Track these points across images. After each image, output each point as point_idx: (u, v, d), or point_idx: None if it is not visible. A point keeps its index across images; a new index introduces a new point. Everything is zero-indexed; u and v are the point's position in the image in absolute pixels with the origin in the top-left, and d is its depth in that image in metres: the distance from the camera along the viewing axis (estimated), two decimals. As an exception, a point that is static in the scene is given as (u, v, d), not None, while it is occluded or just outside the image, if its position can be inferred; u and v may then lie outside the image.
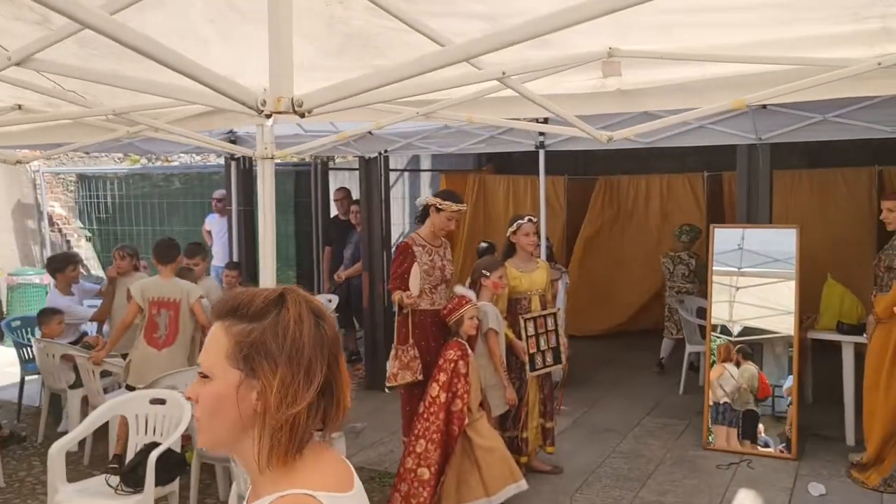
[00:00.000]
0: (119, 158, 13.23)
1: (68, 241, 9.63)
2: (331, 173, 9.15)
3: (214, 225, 8.42)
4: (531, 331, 4.77)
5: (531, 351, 4.74)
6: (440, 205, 4.46)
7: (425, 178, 12.10)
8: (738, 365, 5.41)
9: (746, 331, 5.41)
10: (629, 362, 7.90)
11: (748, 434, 5.29)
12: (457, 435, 4.20)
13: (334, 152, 7.17)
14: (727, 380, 5.42)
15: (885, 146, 7.93)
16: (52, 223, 9.68)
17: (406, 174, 12.94)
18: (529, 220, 4.86)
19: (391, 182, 12.87)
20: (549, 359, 4.85)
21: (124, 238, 9.03)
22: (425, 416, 4.24)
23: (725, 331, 5.46)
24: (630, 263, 9.03)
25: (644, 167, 9.38)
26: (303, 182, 8.82)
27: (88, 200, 9.59)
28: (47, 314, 5.72)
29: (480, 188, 10.01)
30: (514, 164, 11.58)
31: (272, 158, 3.43)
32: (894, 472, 4.57)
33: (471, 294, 4.43)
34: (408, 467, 4.21)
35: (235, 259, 7.68)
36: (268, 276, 3.36)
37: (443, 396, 4.21)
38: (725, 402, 5.38)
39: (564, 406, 6.19)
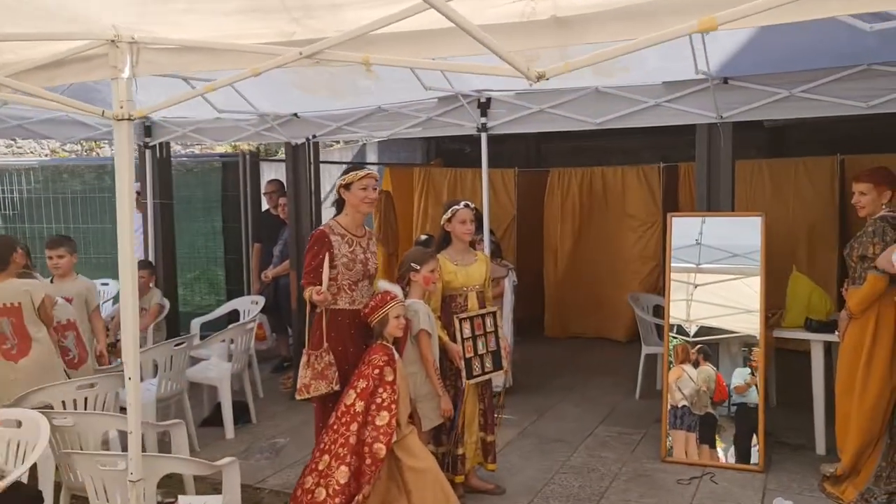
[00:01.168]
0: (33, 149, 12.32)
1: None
2: (265, 165, 8.46)
3: (137, 220, 7.65)
4: (467, 332, 4.18)
5: (468, 355, 4.15)
6: (345, 180, 3.87)
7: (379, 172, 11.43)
8: (696, 366, 4.94)
9: (705, 330, 4.92)
10: (584, 366, 7.38)
11: (706, 439, 4.80)
12: (382, 455, 3.58)
13: (256, 139, 6.51)
14: (686, 382, 4.93)
15: (848, 135, 7.61)
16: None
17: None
18: (466, 206, 4.27)
19: (338, 175, 12.42)
20: (489, 364, 4.26)
21: (32, 237, 8.19)
22: (335, 426, 3.62)
23: (682, 331, 4.96)
24: (593, 261, 8.52)
25: (598, 160, 8.89)
26: (231, 175, 8.11)
27: (-3, 196, 8.74)
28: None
29: (427, 182, 9.42)
30: (463, 158, 11.08)
31: (129, 119, 2.79)
32: (871, 486, 4.09)
33: (396, 290, 3.83)
34: (306, 487, 3.58)
35: (150, 258, 6.95)
36: (127, 273, 2.72)
37: (359, 405, 3.59)
38: (684, 406, 4.89)
39: (510, 416, 5.65)
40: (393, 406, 3.61)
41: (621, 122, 5.10)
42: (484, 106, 5.46)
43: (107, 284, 7.70)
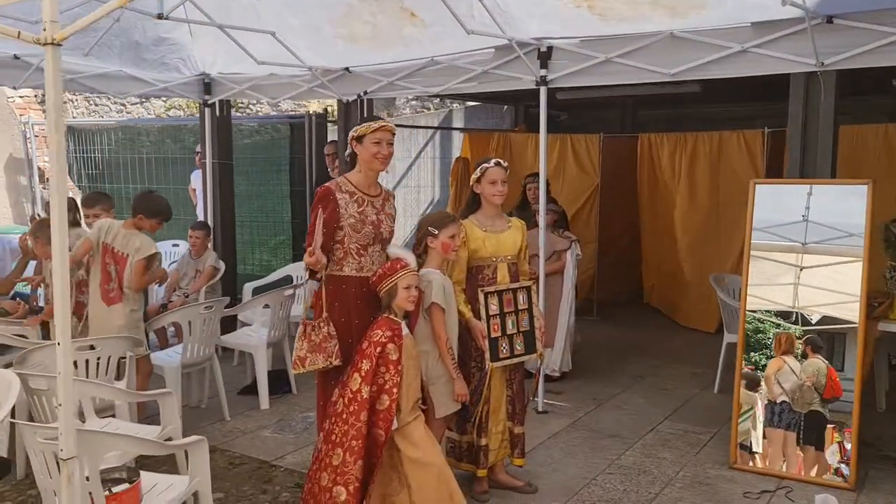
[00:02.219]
0: (92, 107, 12.51)
1: (61, 199, 8.97)
2: (333, 127, 8.16)
3: (199, 181, 7.56)
4: (494, 309, 3.66)
5: (494, 335, 3.64)
6: (357, 132, 3.42)
7: (457, 138, 11.04)
8: (804, 357, 4.19)
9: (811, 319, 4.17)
10: (663, 353, 6.67)
11: (810, 439, 4.06)
12: (383, 441, 3.16)
13: (310, 96, 6.17)
14: (787, 375, 4.19)
15: None
16: (45, 179, 9.07)
17: (438, 135, 11.92)
18: (497, 165, 3.73)
19: (423, 143, 12.05)
20: (519, 346, 3.74)
21: (113, 197, 8.29)
22: (343, 416, 3.21)
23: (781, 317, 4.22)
24: (683, 237, 7.69)
25: (702, 129, 7.94)
26: (298, 137, 7.87)
27: (79, 155, 8.92)
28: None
29: (505, 149, 8.85)
30: (555, 125, 10.39)
31: (55, 44, 2.43)
32: None
33: (409, 257, 3.36)
34: (322, 485, 3.20)
35: (209, 219, 6.81)
36: (56, 224, 2.39)
37: (366, 391, 3.17)
38: (783, 402, 4.17)
39: (563, 403, 5.11)
40: (394, 390, 3.16)
41: (700, 71, 4.37)
42: (544, 56, 4.85)
43: (177, 245, 7.70)
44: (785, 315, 4.22)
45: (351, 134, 3.46)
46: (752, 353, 4.29)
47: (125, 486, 2.77)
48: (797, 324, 4.19)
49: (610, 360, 6.39)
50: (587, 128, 8.45)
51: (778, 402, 4.20)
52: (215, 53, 5.87)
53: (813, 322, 4.16)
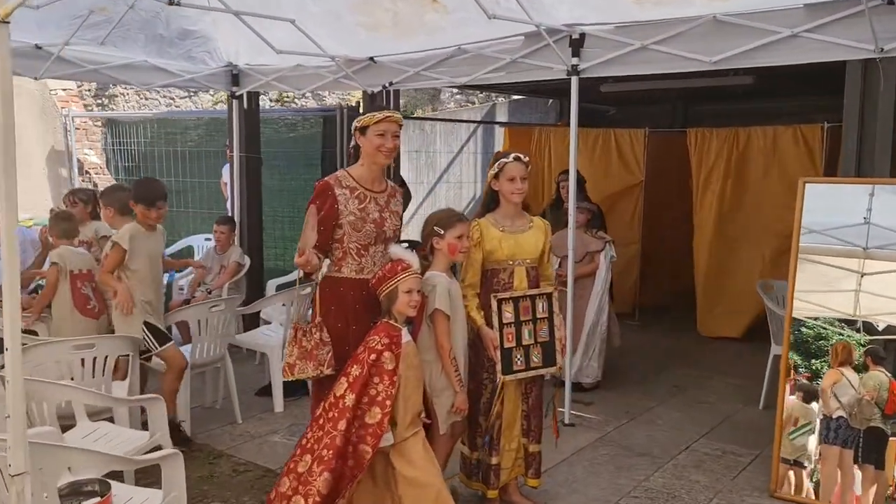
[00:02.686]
0: (143, 100, 12.51)
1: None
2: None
3: (230, 175, 7.45)
4: (509, 316, 3.37)
5: (507, 344, 3.35)
6: (360, 122, 3.17)
7: (501, 133, 10.74)
8: (864, 369, 3.78)
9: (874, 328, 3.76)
10: (707, 363, 6.26)
11: (869, 457, 3.66)
12: (369, 458, 2.91)
13: (335, 87, 5.95)
14: (844, 388, 3.79)
15: None
16: (83, 171, 9.12)
17: (480, 130, 11.63)
18: (517, 160, 3.44)
19: (465, 138, 11.77)
20: (536, 358, 3.43)
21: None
22: (320, 421, 2.98)
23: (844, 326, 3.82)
24: (735, 239, 7.19)
25: (758, 125, 7.44)
26: (330, 131, 7.67)
27: (116, 148, 8.93)
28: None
29: (546, 143, 8.51)
30: (601, 120, 10.01)
31: (3, 21, 2.24)
32: None
33: (410, 258, 3.10)
34: (281, 491, 2.97)
35: (235, 214, 6.68)
36: (5, 221, 2.21)
37: (350, 398, 2.92)
38: (840, 417, 3.77)
39: (592, 415, 4.78)
40: (387, 402, 2.90)
41: (745, 59, 3.98)
42: (576, 44, 4.52)
43: (209, 240, 7.59)
44: (847, 323, 3.81)
45: (354, 124, 3.22)
46: (813, 361, 3.88)
47: (96, 500, 2.59)
48: (859, 332, 3.79)
49: (648, 369, 6.02)
50: (637, 124, 8.02)
51: (834, 417, 3.80)
52: (238, 44, 5.71)
53: (876, 331, 3.75)
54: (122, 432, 3.38)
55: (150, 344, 4.14)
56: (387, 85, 5.45)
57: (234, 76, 6.39)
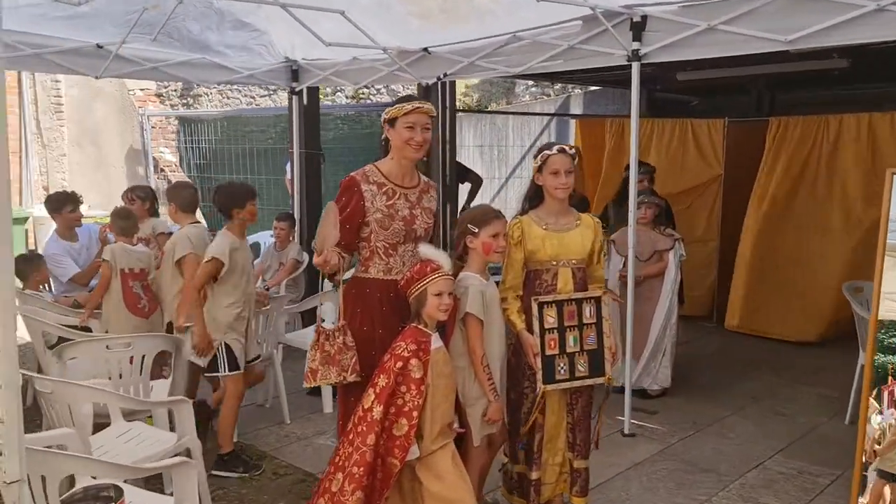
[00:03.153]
0: (225, 99, 12.68)
1: (174, 189, 9.23)
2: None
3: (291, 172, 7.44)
4: (552, 321, 3.12)
5: (549, 351, 3.10)
6: (389, 114, 2.99)
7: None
8: None
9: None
10: (788, 370, 5.79)
11: None
12: (395, 473, 2.74)
13: (390, 80, 5.80)
14: None
15: None
16: (159, 169, 9.35)
17: (554, 123, 11.30)
18: (562, 152, 3.17)
19: (538, 132, 11.46)
20: (582, 366, 3.16)
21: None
22: (350, 436, 2.82)
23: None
24: (818, 239, 6.64)
25: (844, 107, 6.84)
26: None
27: (189, 146, 9.10)
28: (27, 262, 4.99)
29: (619, 136, 8.12)
30: (683, 111, 9.52)
31: None
32: None
33: (441, 258, 2.89)
34: None
35: (295, 210, 6.64)
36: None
37: (377, 411, 2.75)
38: None
39: (655, 426, 4.47)
40: (414, 413, 2.72)
41: (824, 37, 3.57)
42: (637, 27, 4.19)
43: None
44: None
45: (383, 116, 3.05)
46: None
47: (109, 506, 2.51)
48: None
49: (721, 375, 5.61)
50: (721, 115, 7.53)
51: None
52: (292, 38, 5.64)
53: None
54: (154, 434, 3.32)
55: (221, 365, 3.85)
56: (441, 76, 5.25)
57: (294, 72, 6.34)
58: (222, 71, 5.97)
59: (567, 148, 3.19)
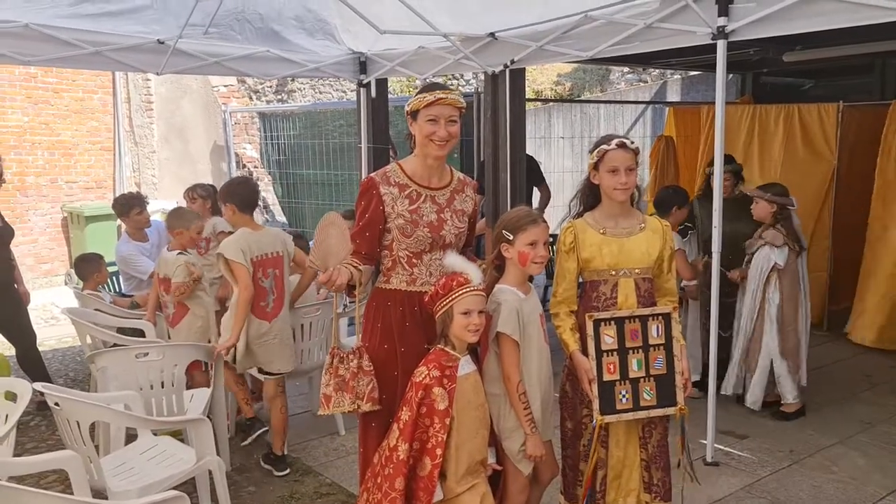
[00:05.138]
0: (318, 94, 12.57)
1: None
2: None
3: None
4: (610, 342, 2.68)
5: (608, 377, 2.67)
6: (411, 106, 2.64)
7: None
8: None
9: None
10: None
11: None
12: (420, 514, 2.40)
13: (456, 68, 5.41)
14: None
15: None
16: (241, 165, 9.37)
17: (649, 111, 10.61)
18: (622, 146, 2.72)
19: (632, 121, 10.81)
20: (648, 394, 2.71)
21: (295, 182, 8.30)
22: (378, 480, 2.51)
23: None
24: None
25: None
26: (469, 119, 7.18)
27: (269, 142, 9.06)
28: (87, 262, 4.96)
29: (713, 124, 7.39)
30: (793, 95, 8.69)
31: None
32: None
33: (469, 270, 2.51)
34: None
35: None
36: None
37: (403, 449, 2.41)
38: None
39: (743, 453, 3.93)
40: (437, 451, 2.37)
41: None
42: (724, 1, 3.65)
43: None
44: None
45: (406, 108, 2.70)
46: None
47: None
48: None
49: (831, 394, 4.93)
50: (838, 98, 6.73)
51: None
52: (355, 28, 5.38)
53: None
54: (178, 451, 3.11)
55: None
56: (508, 63, 4.84)
57: (362, 63, 6.08)
58: (287, 64, 5.76)
59: (628, 142, 2.73)
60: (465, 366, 2.49)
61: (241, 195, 4.02)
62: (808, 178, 6.66)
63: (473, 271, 2.49)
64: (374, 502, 2.48)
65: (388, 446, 2.47)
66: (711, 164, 4.90)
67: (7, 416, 2.61)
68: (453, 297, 2.44)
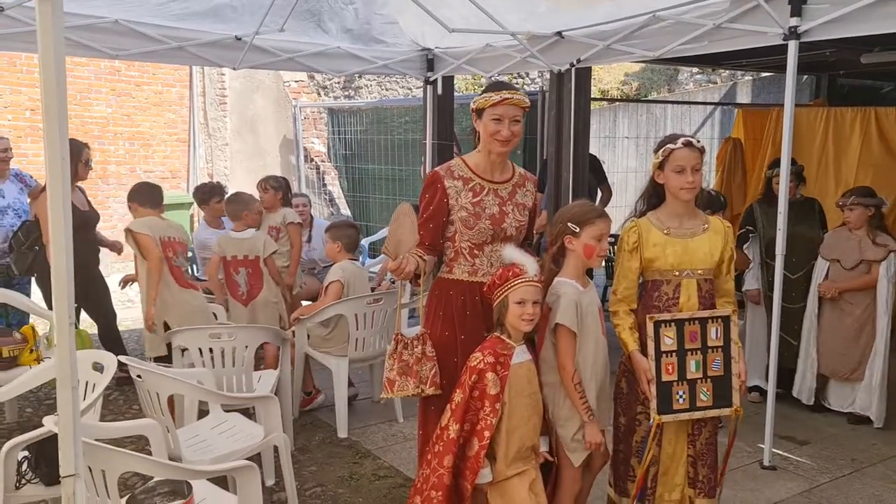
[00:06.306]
0: (384, 90, 12.74)
1: (322, 179, 9.48)
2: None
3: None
4: (670, 342, 2.71)
5: (667, 377, 2.70)
6: (476, 104, 2.73)
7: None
8: None
9: None
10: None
11: None
12: (467, 496, 2.49)
13: (522, 67, 5.46)
14: None
15: None
16: (309, 159, 9.62)
17: (717, 113, 10.43)
18: (688, 145, 2.74)
19: (699, 122, 10.64)
20: (705, 395, 2.74)
21: (363, 178, 8.49)
22: (428, 457, 2.60)
23: None
24: None
25: None
26: (534, 116, 7.21)
27: (336, 137, 9.27)
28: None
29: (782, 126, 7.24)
30: (872, 98, 8.43)
31: None
32: None
33: (525, 262, 2.58)
34: None
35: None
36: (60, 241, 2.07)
37: (454, 429, 2.51)
38: None
39: (802, 458, 3.90)
40: (485, 433, 2.45)
41: None
42: (797, 0, 3.62)
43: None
44: None
45: (471, 105, 2.78)
46: None
47: (180, 502, 2.46)
48: None
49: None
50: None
51: None
52: (422, 25, 5.48)
53: None
54: (247, 427, 3.28)
55: None
56: (574, 62, 4.87)
57: (430, 61, 6.20)
58: (357, 61, 5.93)
59: (694, 141, 2.76)
60: (520, 354, 2.56)
61: (348, 236, 4.65)
62: (886, 183, 6.47)
63: (530, 263, 2.56)
64: (423, 478, 2.58)
65: (441, 426, 2.57)
66: (771, 166, 4.86)
67: (95, 384, 2.81)
68: (509, 286, 2.52)
